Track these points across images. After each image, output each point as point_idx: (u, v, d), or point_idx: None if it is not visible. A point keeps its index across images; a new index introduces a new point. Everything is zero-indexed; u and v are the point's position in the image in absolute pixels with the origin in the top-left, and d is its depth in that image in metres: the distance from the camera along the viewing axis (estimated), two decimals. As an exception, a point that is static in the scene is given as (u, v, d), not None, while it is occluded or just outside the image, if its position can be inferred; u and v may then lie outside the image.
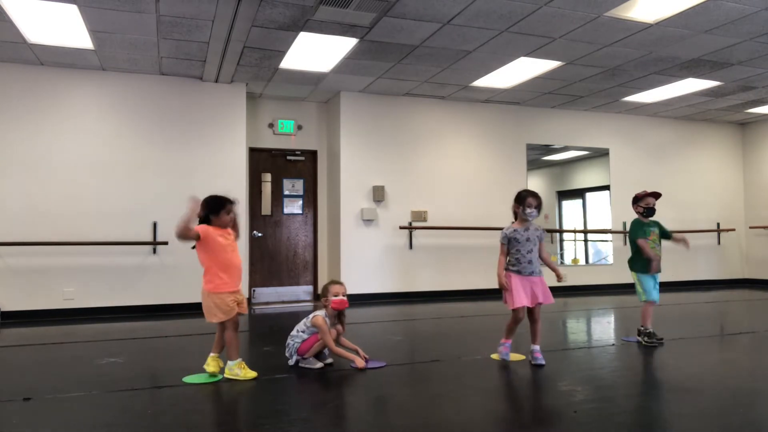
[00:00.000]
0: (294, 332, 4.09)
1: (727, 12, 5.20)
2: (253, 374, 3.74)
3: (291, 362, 4.05)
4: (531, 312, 4.14)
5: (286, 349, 4.09)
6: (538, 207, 4.14)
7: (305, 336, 4.02)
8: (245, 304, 3.88)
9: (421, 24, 5.46)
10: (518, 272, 4.11)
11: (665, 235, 5.01)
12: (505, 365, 4.10)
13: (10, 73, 6.56)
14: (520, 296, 4.05)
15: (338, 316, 4.13)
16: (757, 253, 10.10)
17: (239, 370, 3.73)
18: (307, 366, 3.99)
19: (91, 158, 6.82)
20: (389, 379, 3.78)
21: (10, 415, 3.07)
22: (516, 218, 4.23)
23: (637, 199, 5.03)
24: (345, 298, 4.07)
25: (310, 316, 4.07)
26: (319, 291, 8.29)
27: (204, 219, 3.79)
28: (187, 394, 3.45)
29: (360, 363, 3.95)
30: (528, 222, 4.16)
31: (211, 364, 3.77)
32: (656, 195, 4.99)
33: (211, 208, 3.78)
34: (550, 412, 3.08)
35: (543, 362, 4.05)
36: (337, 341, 4.07)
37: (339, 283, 4.13)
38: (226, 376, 3.73)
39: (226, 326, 3.76)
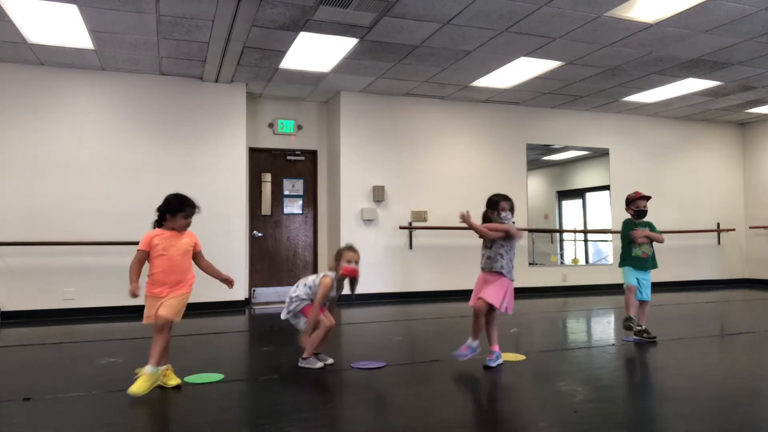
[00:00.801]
0: (300, 292, 4.01)
1: (727, 12, 5.20)
2: (174, 382, 3.49)
3: (283, 316, 4.04)
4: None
5: (286, 303, 4.05)
6: (512, 210, 4.13)
7: (307, 302, 3.99)
8: (160, 308, 3.49)
9: (421, 24, 5.46)
10: (482, 269, 4.16)
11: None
12: (504, 366, 4.10)
13: (10, 73, 6.56)
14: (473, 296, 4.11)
15: (351, 282, 4.09)
16: (757, 253, 10.10)
17: (166, 378, 3.51)
18: (307, 366, 3.98)
19: (91, 158, 6.82)
20: (389, 379, 3.78)
21: (10, 415, 3.07)
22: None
23: (628, 202, 5.14)
24: (357, 267, 4.03)
25: (320, 275, 4.05)
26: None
27: (160, 216, 3.61)
28: (187, 394, 3.45)
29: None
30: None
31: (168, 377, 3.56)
32: (647, 198, 5.09)
33: (170, 207, 3.56)
34: (550, 412, 3.08)
35: (491, 364, 3.96)
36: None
37: (354, 250, 4.07)
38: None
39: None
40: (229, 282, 3.75)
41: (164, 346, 3.48)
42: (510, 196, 4.26)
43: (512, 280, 4.10)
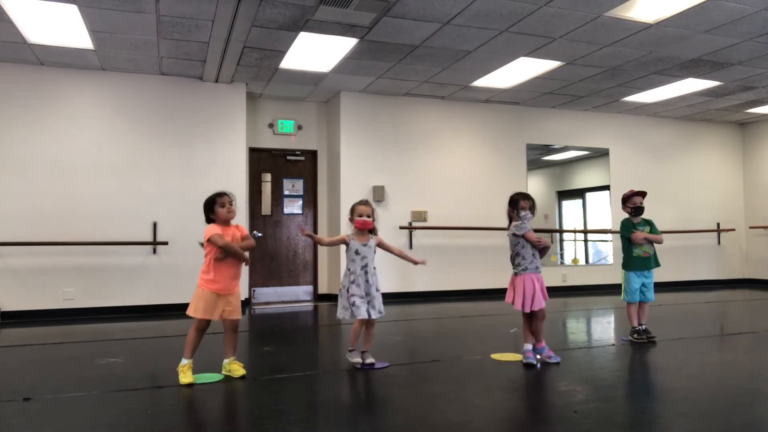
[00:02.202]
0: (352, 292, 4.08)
1: (727, 12, 5.20)
2: (187, 380, 3.59)
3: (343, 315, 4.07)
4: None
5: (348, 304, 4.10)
6: (532, 208, 4.15)
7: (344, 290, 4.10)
8: (232, 313, 3.78)
9: (421, 24, 5.46)
10: (530, 270, 4.12)
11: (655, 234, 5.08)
12: (504, 366, 4.10)
13: (10, 73, 6.56)
14: (532, 297, 4.07)
15: (370, 231, 4.19)
16: (757, 253, 10.10)
17: (182, 373, 3.63)
18: (350, 359, 4.06)
19: (91, 158, 6.82)
20: (389, 379, 3.78)
21: (10, 415, 3.07)
22: (511, 221, 4.22)
23: (624, 200, 5.12)
24: (368, 219, 4.11)
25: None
26: (319, 290, 8.32)
27: (209, 220, 3.84)
28: (187, 394, 3.45)
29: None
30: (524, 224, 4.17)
31: (234, 369, 3.80)
32: (642, 194, 5.07)
33: (207, 207, 3.83)
34: (550, 412, 3.08)
35: (558, 359, 4.12)
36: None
37: (365, 203, 4.18)
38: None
39: (193, 324, 3.72)
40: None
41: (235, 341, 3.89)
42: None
43: (523, 273, 4.20)
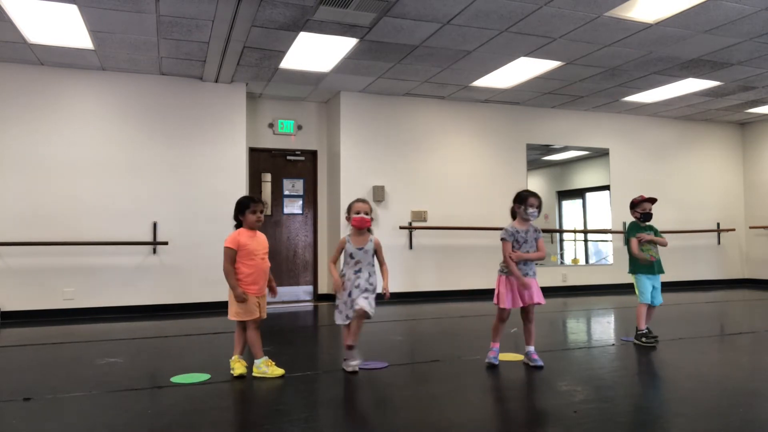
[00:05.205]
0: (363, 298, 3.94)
1: (727, 12, 5.21)
2: (280, 372, 3.79)
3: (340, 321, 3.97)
4: (525, 312, 4.09)
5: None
6: (539, 207, 4.09)
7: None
8: (264, 310, 3.94)
9: (421, 24, 5.46)
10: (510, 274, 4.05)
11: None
12: (504, 366, 4.10)
13: (10, 73, 6.56)
14: (507, 298, 4.02)
15: (368, 230, 4.08)
16: (757, 253, 10.10)
17: (266, 368, 3.78)
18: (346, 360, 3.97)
19: (91, 158, 6.82)
20: (389, 379, 3.78)
21: (10, 415, 3.07)
22: (514, 218, 4.16)
23: (633, 205, 5.05)
24: (366, 216, 3.99)
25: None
26: (319, 290, 8.32)
27: (237, 220, 3.92)
28: (186, 394, 3.45)
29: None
30: (528, 223, 4.10)
31: (237, 367, 3.80)
32: (652, 200, 5.02)
33: (240, 207, 3.89)
34: (550, 412, 3.08)
35: (540, 363, 4.01)
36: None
37: (363, 201, 4.07)
38: (254, 374, 3.78)
39: (247, 325, 3.82)
40: (273, 291, 4.01)
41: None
42: (512, 196, 4.21)
43: (502, 274, 4.08)
